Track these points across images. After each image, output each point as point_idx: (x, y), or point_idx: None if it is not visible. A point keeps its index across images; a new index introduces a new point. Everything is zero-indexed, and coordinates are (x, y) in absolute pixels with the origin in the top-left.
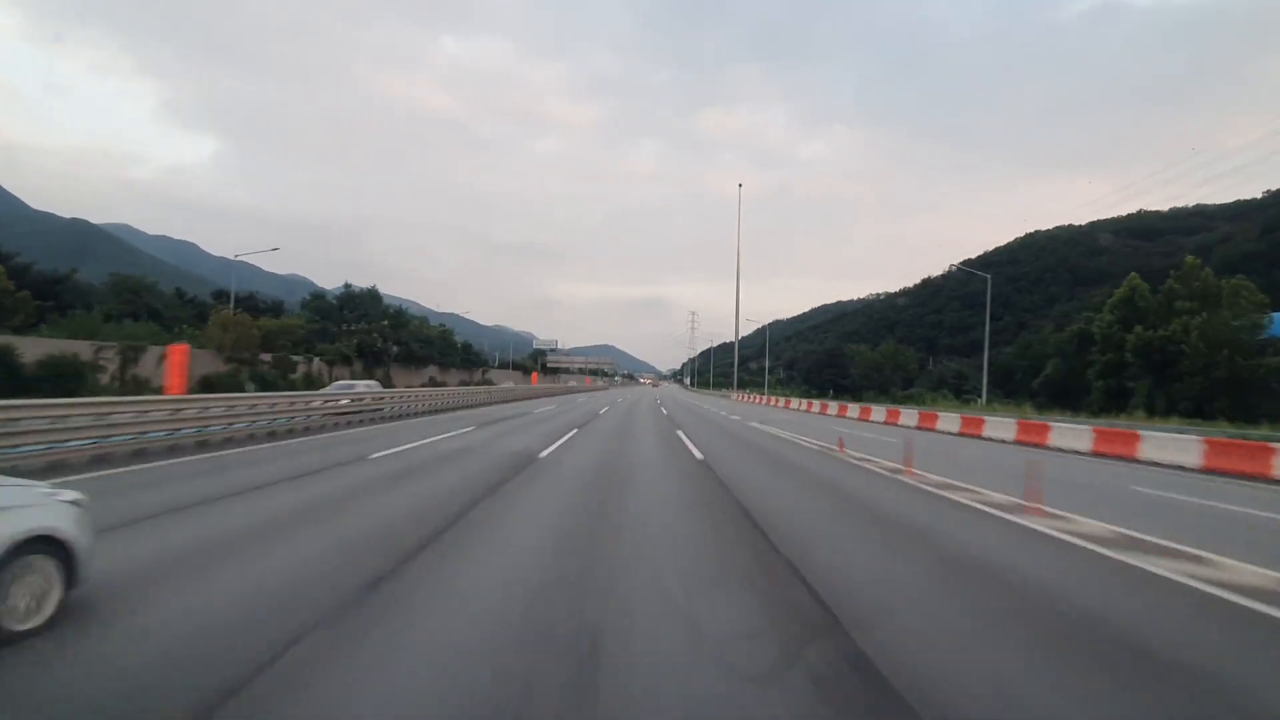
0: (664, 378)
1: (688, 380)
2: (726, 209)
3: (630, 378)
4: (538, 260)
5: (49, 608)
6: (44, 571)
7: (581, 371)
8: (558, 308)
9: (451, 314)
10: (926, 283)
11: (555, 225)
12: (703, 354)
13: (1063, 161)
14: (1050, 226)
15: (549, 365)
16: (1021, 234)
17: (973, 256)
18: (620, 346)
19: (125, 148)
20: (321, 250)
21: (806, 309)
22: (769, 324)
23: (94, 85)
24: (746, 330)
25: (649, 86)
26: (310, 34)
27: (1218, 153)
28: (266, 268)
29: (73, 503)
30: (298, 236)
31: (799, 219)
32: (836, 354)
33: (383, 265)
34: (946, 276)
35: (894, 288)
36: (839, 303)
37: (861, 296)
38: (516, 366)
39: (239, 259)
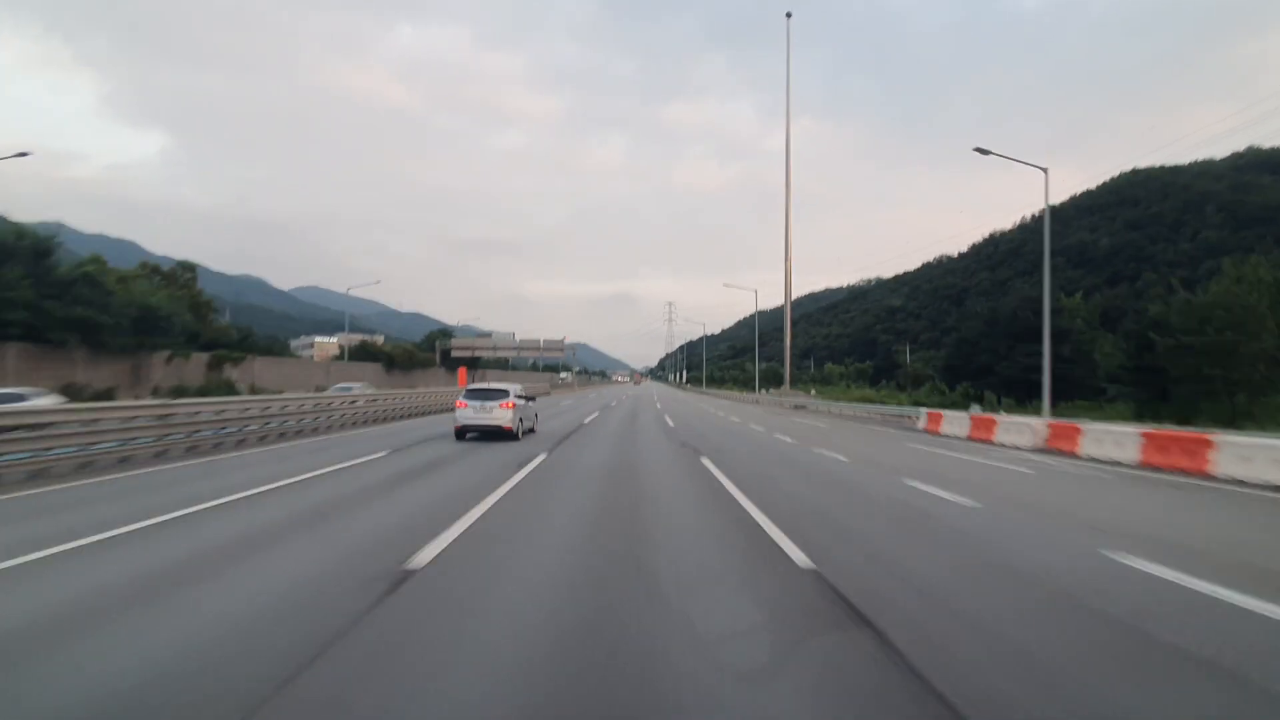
0: (642, 375)
1: (677, 377)
2: (696, 202)
3: (603, 375)
4: (504, 257)
5: (538, 427)
6: (535, 420)
7: (535, 367)
8: (527, 305)
9: (415, 313)
10: (993, 239)
11: (521, 221)
12: (680, 348)
13: (1031, 150)
14: (1150, 165)
15: (454, 353)
16: (1115, 173)
17: (1057, 203)
18: (593, 344)
19: (64, 144)
20: (278, 250)
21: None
22: (753, 315)
23: (27, 78)
24: (728, 323)
25: (613, 77)
26: (259, 23)
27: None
28: (215, 267)
29: (533, 400)
30: (252, 235)
31: (772, 211)
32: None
33: (344, 265)
34: (1025, 229)
35: (869, 275)
36: (827, 290)
37: (852, 283)
38: (396, 361)
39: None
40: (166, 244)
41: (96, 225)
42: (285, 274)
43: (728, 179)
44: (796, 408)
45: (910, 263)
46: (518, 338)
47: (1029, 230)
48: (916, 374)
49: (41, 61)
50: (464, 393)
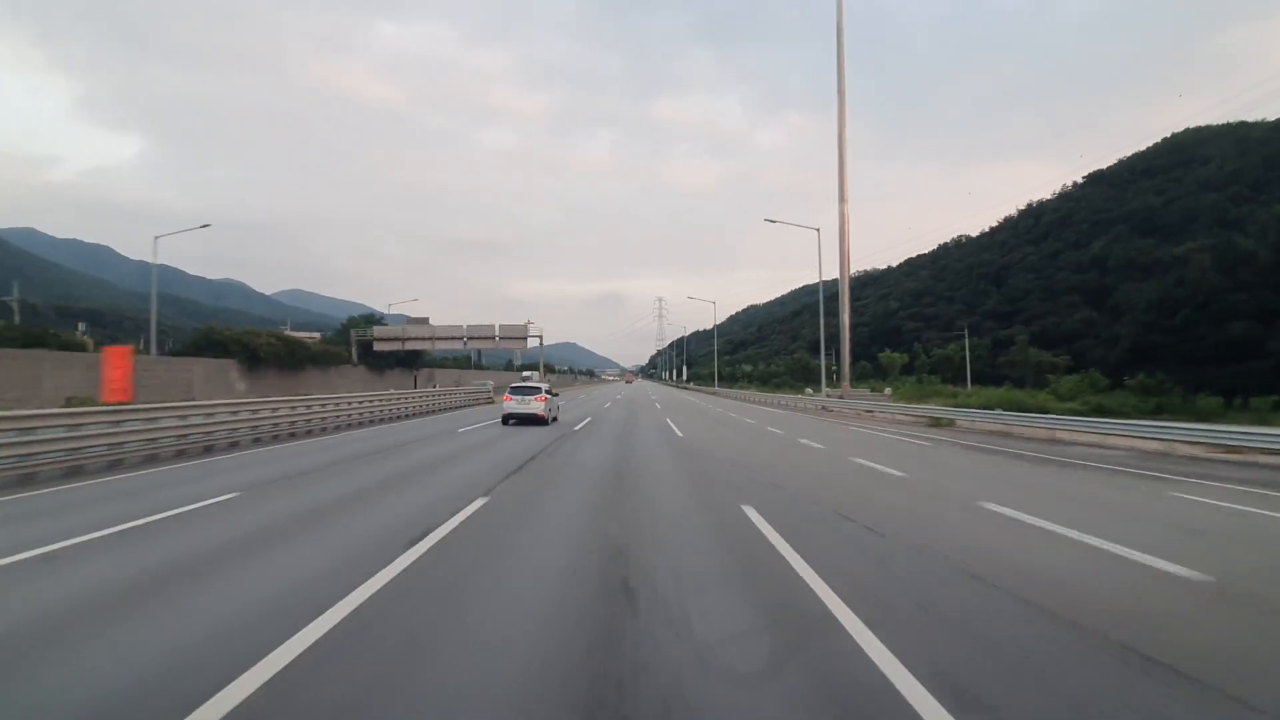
0: (633, 373)
1: (670, 374)
2: (685, 200)
3: (590, 374)
4: (495, 258)
5: (557, 416)
6: (557, 410)
7: (510, 366)
8: (517, 307)
9: (401, 315)
10: (1032, 210)
11: (511, 221)
12: (672, 344)
13: (1018, 145)
14: (1202, 124)
15: (378, 345)
16: (1167, 133)
17: (1104, 167)
18: (583, 344)
19: (38, 149)
20: (261, 253)
21: (777, 295)
22: (748, 309)
23: (2, 81)
24: (719, 317)
25: (601, 74)
26: (238, 22)
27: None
28: (193, 271)
29: (557, 395)
30: (233, 238)
31: (758, 207)
32: None
33: (329, 267)
34: (1069, 198)
35: (863, 267)
36: (821, 282)
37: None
38: (269, 357)
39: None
40: (144, 248)
41: (71, 230)
42: (268, 277)
43: (717, 176)
44: (933, 423)
45: (922, 245)
46: (465, 325)
47: (1074, 199)
48: (1040, 363)
49: (15, 63)
50: (509, 389)
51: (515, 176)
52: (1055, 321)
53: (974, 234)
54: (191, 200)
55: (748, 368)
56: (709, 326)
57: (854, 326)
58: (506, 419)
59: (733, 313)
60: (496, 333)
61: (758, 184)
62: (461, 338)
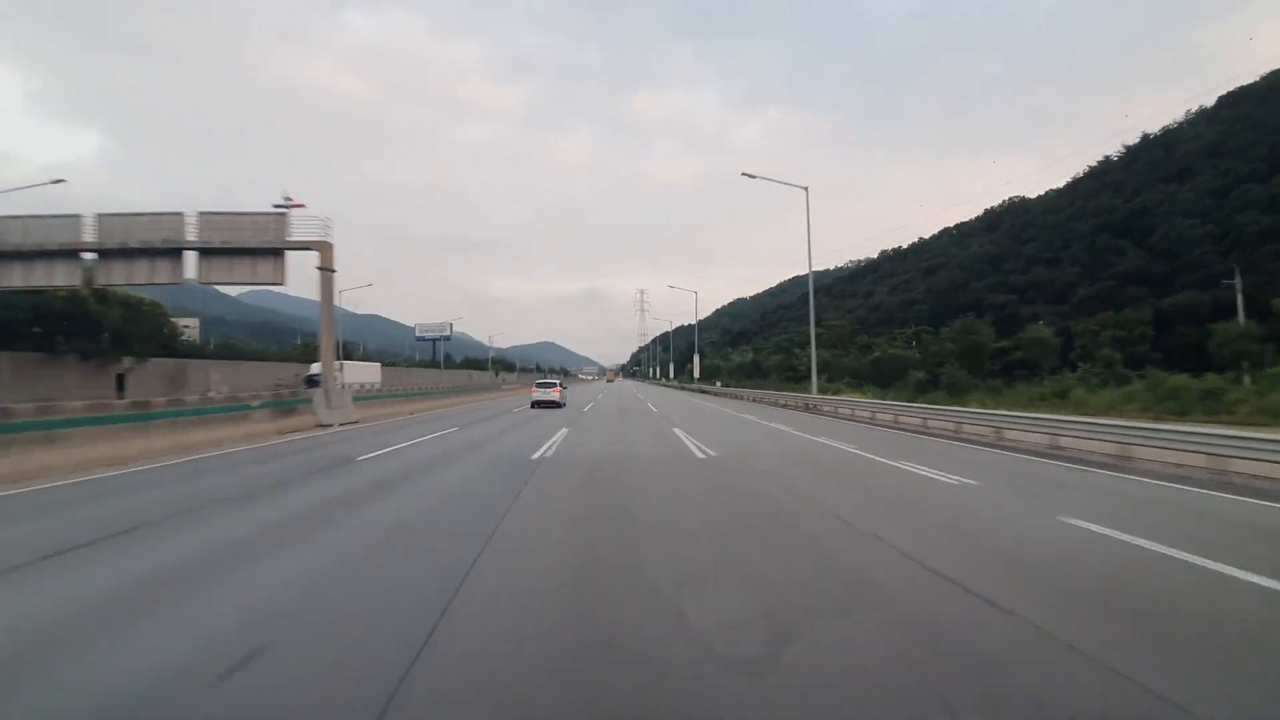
0: (615, 371)
1: (654, 371)
2: (664, 196)
3: (564, 373)
4: (469, 257)
5: (564, 401)
6: (565, 399)
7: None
8: (495, 306)
9: (372, 315)
10: (1151, 142)
11: (486, 219)
12: (655, 340)
13: (997, 138)
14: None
15: None
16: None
17: (1247, 83)
18: (561, 343)
19: None
20: None
21: (765, 288)
22: (735, 302)
23: None
24: (704, 311)
25: (577, 68)
26: (200, 13)
27: None
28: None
29: (566, 387)
30: None
31: (741, 204)
32: None
33: (291, 268)
34: (1213, 120)
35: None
36: (815, 273)
37: (839, 265)
38: None
39: None
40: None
41: None
42: None
43: (692, 173)
44: None
45: (965, 213)
46: (90, 216)
47: (1222, 120)
48: None
49: None
50: (535, 384)
51: (490, 175)
52: (1262, 279)
53: (1056, 184)
54: (152, 197)
55: (824, 353)
56: (688, 323)
57: (905, 305)
58: (534, 405)
59: (718, 307)
60: (188, 237)
61: (739, 179)
62: (72, 250)
